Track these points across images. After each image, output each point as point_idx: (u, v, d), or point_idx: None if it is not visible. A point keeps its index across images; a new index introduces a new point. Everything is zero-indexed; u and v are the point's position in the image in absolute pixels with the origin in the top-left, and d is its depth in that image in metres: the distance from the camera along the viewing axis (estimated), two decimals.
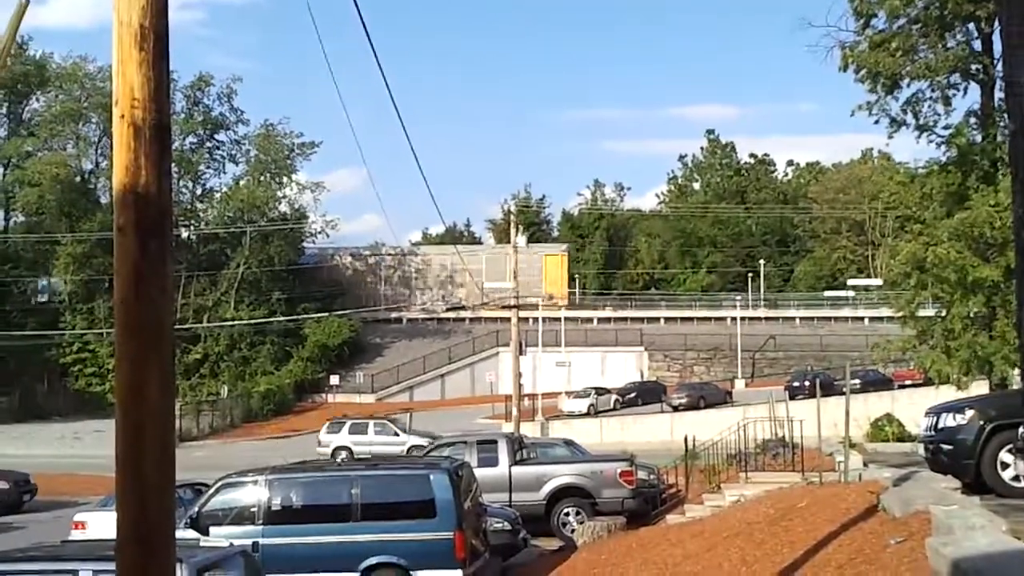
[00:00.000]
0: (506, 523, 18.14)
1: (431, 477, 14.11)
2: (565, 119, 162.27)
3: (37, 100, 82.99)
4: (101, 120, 76.94)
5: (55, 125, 79.12)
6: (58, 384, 74.38)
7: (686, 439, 27.02)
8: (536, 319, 62.94)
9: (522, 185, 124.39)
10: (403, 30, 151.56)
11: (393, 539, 13.76)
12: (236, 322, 72.82)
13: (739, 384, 66.80)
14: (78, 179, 79.76)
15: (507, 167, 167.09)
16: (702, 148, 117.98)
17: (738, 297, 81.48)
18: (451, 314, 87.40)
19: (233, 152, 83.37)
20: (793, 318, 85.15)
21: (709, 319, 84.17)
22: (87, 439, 52.62)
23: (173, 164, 5.17)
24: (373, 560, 13.69)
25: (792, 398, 44.35)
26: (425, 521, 13.77)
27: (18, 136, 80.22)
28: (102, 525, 17.52)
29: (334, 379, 69.38)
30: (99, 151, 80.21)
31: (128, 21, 4.96)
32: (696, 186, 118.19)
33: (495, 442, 22.89)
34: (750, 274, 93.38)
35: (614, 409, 57.47)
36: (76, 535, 18.81)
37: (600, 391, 59.36)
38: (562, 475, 21.82)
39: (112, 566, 5.05)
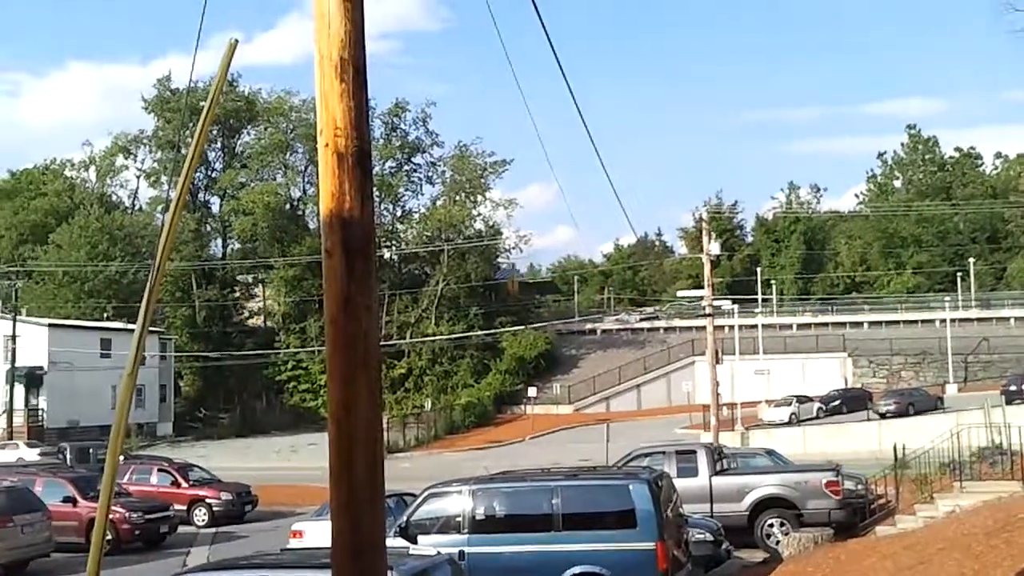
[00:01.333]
0: (708, 534, 17.90)
1: (631, 487, 14.08)
2: (756, 121, 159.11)
3: (248, 134, 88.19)
4: (307, 150, 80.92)
5: (265, 156, 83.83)
6: (275, 400, 78.39)
7: (895, 447, 25.91)
8: (732, 327, 61.82)
9: (713, 191, 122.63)
10: (588, 40, 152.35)
11: (595, 549, 13.79)
12: (437, 337, 74.91)
13: (951, 389, 63.52)
14: (287, 206, 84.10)
15: (699, 173, 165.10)
16: (902, 144, 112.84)
17: (947, 298, 77.45)
18: (645, 324, 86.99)
19: (430, 174, 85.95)
20: (1007, 318, 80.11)
21: (916, 322, 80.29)
22: (303, 452, 55.01)
23: (374, 188, 5.38)
24: (576, 570, 13.74)
25: (1009, 402, 41.89)
26: (626, 531, 13.73)
27: (232, 168, 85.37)
28: (318, 533, 18.31)
29: (532, 391, 70.23)
30: (306, 179, 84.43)
31: (328, 55, 5.19)
32: (897, 184, 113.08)
33: (694, 452, 22.63)
34: (959, 273, 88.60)
35: (817, 417, 55.67)
36: (294, 543, 19.60)
37: (802, 399, 57.65)
38: (765, 485, 21.32)
39: (328, 573, 5.21)
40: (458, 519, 14.57)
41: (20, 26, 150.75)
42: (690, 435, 48.35)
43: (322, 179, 5.21)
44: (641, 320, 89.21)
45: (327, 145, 5.16)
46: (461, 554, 13.52)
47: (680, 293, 61.30)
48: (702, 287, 44.06)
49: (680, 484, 17.72)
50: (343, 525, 5.05)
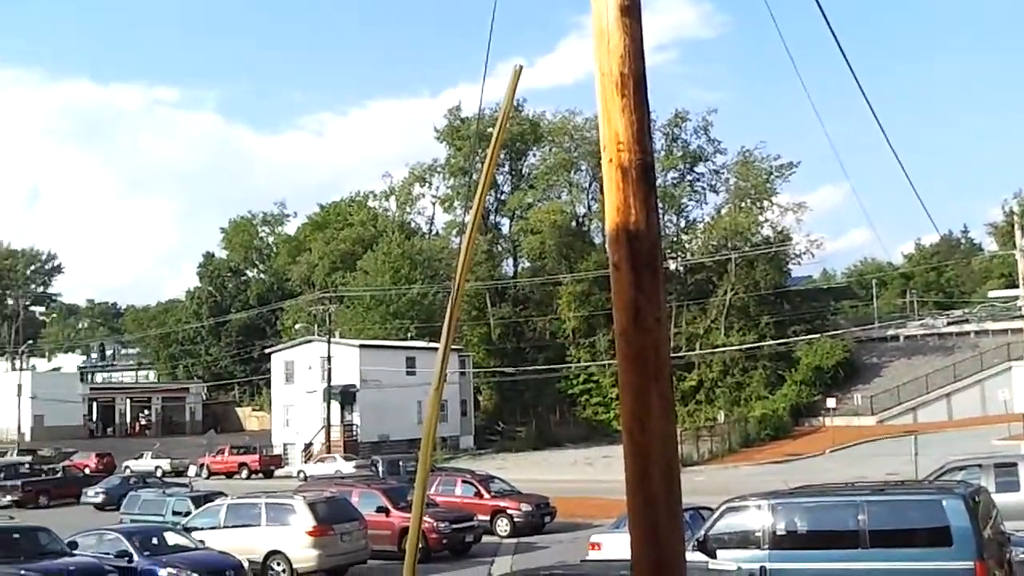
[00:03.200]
0: None
1: (944, 503, 13.22)
2: None
3: (533, 155, 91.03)
4: (590, 167, 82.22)
5: (550, 176, 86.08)
6: (568, 413, 79.96)
7: None
8: None
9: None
10: (876, 23, 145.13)
11: (906, 567, 13.03)
12: (727, 348, 73.60)
13: None
14: (573, 223, 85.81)
15: (1006, 162, 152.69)
16: None
17: None
18: (953, 328, 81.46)
19: (713, 182, 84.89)
20: None
21: None
22: (597, 464, 55.58)
23: (658, 200, 5.37)
24: None
25: None
26: (940, 550, 12.89)
27: (520, 190, 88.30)
28: (616, 546, 18.40)
29: (830, 402, 67.40)
30: (590, 195, 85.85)
31: (609, 71, 5.24)
32: None
33: (1015, 465, 20.97)
34: None
35: None
36: (593, 555, 19.82)
37: None
38: None
39: None
40: (758, 534, 14.19)
41: (326, 70, 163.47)
42: (1009, 447, 44.69)
43: (607, 194, 5.26)
44: (949, 324, 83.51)
45: (611, 160, 5.21)
46: (762, 570, 13.19)
47: (992, 293, 57.29)
48: (1016, 286, 40.92)
49: (1000, 500, 16.46)
50: (642, 537, 5.05)
